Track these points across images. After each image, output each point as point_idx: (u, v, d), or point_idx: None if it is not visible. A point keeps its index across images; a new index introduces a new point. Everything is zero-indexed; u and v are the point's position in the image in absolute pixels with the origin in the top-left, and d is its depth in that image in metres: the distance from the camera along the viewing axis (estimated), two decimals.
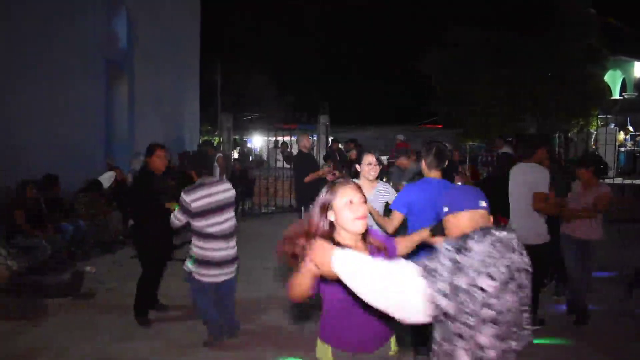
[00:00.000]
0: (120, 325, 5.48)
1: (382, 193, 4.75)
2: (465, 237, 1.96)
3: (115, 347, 4.96)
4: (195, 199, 4.70)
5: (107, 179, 9.82)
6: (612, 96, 23.34)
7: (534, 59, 20.64)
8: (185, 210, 4.73)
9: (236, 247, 4.97)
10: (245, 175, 13.32)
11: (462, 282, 1.83)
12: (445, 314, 1.86)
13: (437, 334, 2.00)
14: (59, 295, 6.33)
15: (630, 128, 20.43)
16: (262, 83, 29.83)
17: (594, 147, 15.70)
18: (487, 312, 1.85)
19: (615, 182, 14.87)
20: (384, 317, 2.04)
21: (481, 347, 1.88)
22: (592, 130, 19.45)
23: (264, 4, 34.82)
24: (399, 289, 1.85)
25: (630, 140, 19.83)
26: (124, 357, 4.80)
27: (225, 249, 4.82)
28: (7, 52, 9.29)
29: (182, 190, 4.78)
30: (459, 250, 1.89)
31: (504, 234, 1.97)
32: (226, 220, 4.84)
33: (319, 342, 2.64)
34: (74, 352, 4.88)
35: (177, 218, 4.84)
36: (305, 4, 35.00)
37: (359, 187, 2.49)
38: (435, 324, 1.99)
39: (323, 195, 2.46)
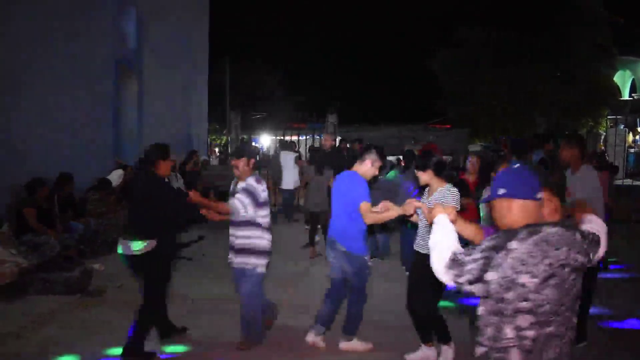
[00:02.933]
0: (130, 322, 5.50)
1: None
2: (509, 233, 2.13)
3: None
4: (264, 188, 4.80)
5: (115, 177, 9.87)
6: (621, 97, 23.20)
7: (543, 59, 20.56)
8: (256, 198, 4.72)
9: None
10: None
11: (494, 277, 2.08)
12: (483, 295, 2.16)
13: (481, 308, 2.23)
14: (67, 293, 6.37)
15: None
16: (270, 82, 29.90)
17: (602, 147, 15.60)
18: (525, 305, 2.07)
19: (624, 183, 14.79)
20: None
21: (520, 328, 2.09)
22: (601, 131, 19.34)
23: (273, 3, 34.84)
24: (435, 252, 2.31)
25: None
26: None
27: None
28: (17, 51, 9.35)
29: (250, 179, 4.77)
30: (496, 249, 2.09)
31: (553, 230, 2.11)
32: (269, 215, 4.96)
33: None
34: (83, 349, 4.90)
35: (245, 207, 4.68)
36: (313, 4, 34.99)
37: None
38: (480, 299, 2.23)
39: None
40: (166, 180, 5.03)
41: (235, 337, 4.97)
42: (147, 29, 14.08)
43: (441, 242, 2.33)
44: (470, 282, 2.13)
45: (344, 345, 4.90)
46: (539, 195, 2.25)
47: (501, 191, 2.26)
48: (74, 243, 8.01)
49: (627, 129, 18.98)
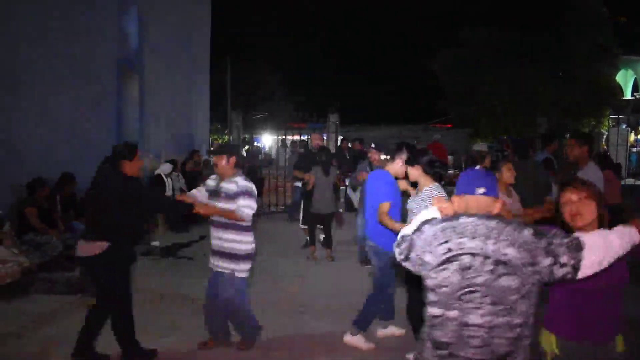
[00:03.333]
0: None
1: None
2: (429, 220, 2.41)
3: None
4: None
5: None
6: (623, 96, 23.18)
7: (544, 58, 20.54)
8: (254, 196, 4.67)
9: None
10: (254, 174, 13.35)
11: (412, 254, 2.37)
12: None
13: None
14: (69, 293, 6.37)
15: None
16: (271, 82, 29.90)
17: (604, 147, 15.58)
18: (429, 282, 2.33)
19: (627, 182, 14.77)
20: (611, 314, 2.64)
21: (428, 303, 2.36)
22: (603, 131, 19.32)
23: (274, 3, 34.84)
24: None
25: None
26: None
27: None
28: (17, 51, 9.35)
29: (240, 179, 4.67)
30: (416, 230, 2.39)
31: (468, 220, 2.28)
32: None
33: (544, 332, 2.78)
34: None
35: (254, 210, 4.65)
36: (315, 3, 34.99)
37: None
38: None
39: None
40: (136, 179, 4.66)
41: (236, 337, 4.97)
42: (148, 28, 14.06)
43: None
44: (403, 260, 2.43)
45: (348, 338, 4.89)
46: (481, 190, 2.42)
47: (481, 190, 2.43)
48: (75, 243, 7.99)
49: (629, 129, 18.95)
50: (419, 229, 2.37)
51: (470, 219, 2.28)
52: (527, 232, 2.22)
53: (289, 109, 29.52)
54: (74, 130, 10.73)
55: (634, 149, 18.60)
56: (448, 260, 2.25)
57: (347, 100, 32.51)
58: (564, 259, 2.20)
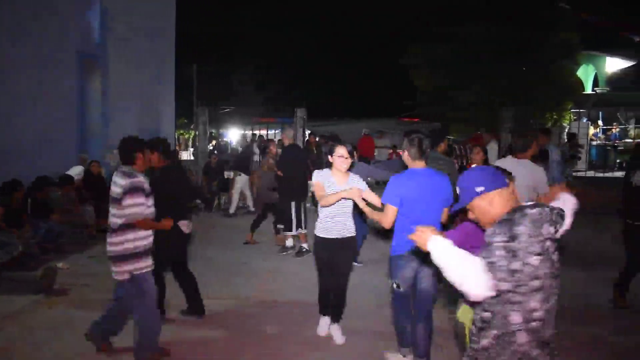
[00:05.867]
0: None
1: (355, 185, 4.67)
2: (507, 222, 2.26)
3: (89, 344, 4.89)
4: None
5: (76, 173, 9.72)
6: (584, 91, 23.73)
7: (510, 54, 20.88)
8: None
9: None
10: (221, 170, 13.22)
11: (517, 265, 2.20)
12: (501, 290, 2.24)
13: (486, 302, 2.32)
14: (31, 292, 6.23)
15: (600, 122, 20.83)
16: (239, 76, 29.68)
17: (566, 140, 15.95)
18: (536, 282, 2.23)
19: (587, 175, 15.16)
20: None
21: (531, 310, 2.25)
22: (564, 125, 19.75)
23: None
24: (470, 277, 2.19)
25: (602, 134, 20.20)
26: (100, 354, 4.73)
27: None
28: None
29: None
30: (511, 239, 2.22)
31: (534, 211, 2.28)
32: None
33: (463, 306, 2.95)
34: (47, 349, 4.81)
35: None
36: None
37: None
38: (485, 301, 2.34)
39: None
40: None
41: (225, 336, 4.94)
42: (111, 21, 13.79)
43: (461, 265, 2.23)
44: (505, 280, 2.22)
45: (387, 354, 4.62)
46: (507, 180, 2.44)
47: (480, 189, 2.40)
48: (39, 240, 7.87)
49: (589, 122, 19.43)
50: (513, 237, 2.28)
51: (534, 210, 2.33)
52: (547, 210, 2.37)
53: (257, 103, 29.39)
54: (35, 126, 10.48)
55: (594, 142, 19.08)
56: (545, 251, 2.33)
57: (316, 94, 32.52)
58: (557, 227, 2.40)
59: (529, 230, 2.22)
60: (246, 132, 19.10)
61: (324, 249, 4.82)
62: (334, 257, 4.81)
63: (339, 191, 4.58)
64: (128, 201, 4.19)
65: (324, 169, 4.93)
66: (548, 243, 2.26)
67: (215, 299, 5.93)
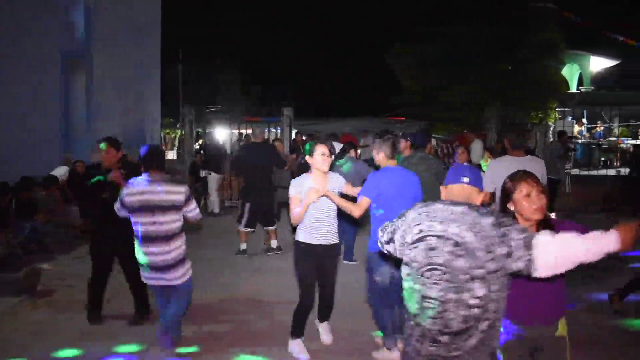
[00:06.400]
0: (80, 322, 5.35)
1: (335, 184, 4.59)
2: (413, 207, 2.70)
3: (75, 346, 4.83)
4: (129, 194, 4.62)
5: (61, 172, 9.60)
6: (569, 89, 23.92)
7: (495, 54, 20.99)
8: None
9: None
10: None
11: (396, 235, 2.65)
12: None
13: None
14: (15, 294, 6.14)
15: (584, 121, 21.02)
16: (225, 75, 29.50)
17: (552, 139, 16.07)
18: (405, 257, 2.59)
19: (572, 173, 15.27)
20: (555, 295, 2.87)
21: (403, 276, 2.63)
22: (550, 123, 19.88)
23: None
24: None
25: (587, 132, 20.37)
26: (84, 356, 4.68)
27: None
28: None
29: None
30: (400, 216, 2.70)
31: (439, 207, 2.53)
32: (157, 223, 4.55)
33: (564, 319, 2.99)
34: (32, 351, 4.73)
35: (118, 209, 4.65)
36: None
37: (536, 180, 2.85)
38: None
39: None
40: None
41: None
42: (95, 18, 13.65)
43: None
44: (387, 242, 2.73)
45: (374, 354, 4.62)
46: (465, 179, 2.65)
47: (465, 179, 2.65)
48: (22, 241, 7.78)
49: (574, 121, 19.59)
50: (403, 215, 2.68)
51: (442, 205, 2.53)
52: (488, 220, 2.37)
53: (244, 103, 29.26)
54: (18, 124, 10.34)
55: (579, 141, 19.24)
56: (419, 240, 2.50)
57: (303, 93, 32.48)
58: (518, 252, 2.30)
59: (414, 215, 2.59)
60: (233, 131, 19.00)
61: (307, 256, 4.52)
62: (319, 265, 4.56)
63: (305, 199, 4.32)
64: (192, 205, 4.61)
65: (301, 175, 4.64)
66: (432, 238, 2.46)
67: (211, 296, 5.89)
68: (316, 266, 4.56)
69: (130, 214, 4.50)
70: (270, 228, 8.25)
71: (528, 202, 2.77)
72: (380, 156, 4.49)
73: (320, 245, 4.50)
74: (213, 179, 11.70)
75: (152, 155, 4.57)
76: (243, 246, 8.18)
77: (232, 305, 5.98)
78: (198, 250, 7.59)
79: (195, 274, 4.86)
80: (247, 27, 34.72)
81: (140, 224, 4.45)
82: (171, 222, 4.47)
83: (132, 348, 4.82)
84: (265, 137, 16.99)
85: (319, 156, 4.45)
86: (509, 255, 2.29)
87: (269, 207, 8.24)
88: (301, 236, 4.52)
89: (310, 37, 37.72)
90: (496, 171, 4.82)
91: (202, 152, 15.14)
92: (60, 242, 8.64)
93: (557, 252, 2.27)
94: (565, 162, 12.79)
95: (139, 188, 4.46)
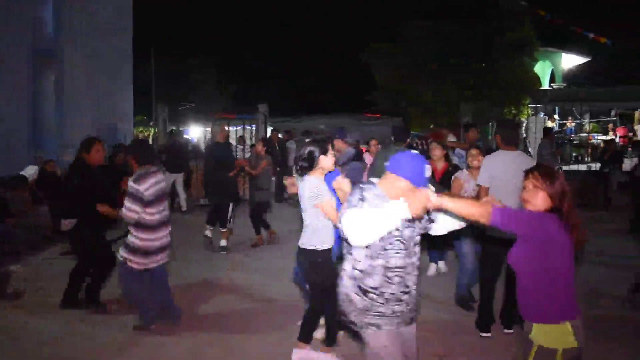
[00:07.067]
0: (51, 325, 5.23)
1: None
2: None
3: (45, 349, 4.72)
4: (148, 187, 4.75)
5: (30, 172, 9.39)
6: (541, 86, 24.25)
7: (471, 50, 21.18)
8: (138, 199, 4.70)
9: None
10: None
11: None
12: None
13: None
14: None
15: (556, 117, 21.34)
16: (199, 72, 29.22)
17: (524, 135, 16.27)
18: None
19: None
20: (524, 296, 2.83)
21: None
22: (522, 119, 20.12)
23: None
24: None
25: (558, 128, 20.68)
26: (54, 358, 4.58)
27: (165, 237, 4.99)
28: None
29: (131, 179, 4.79)
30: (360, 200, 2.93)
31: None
32: (166, 208, 5.03)
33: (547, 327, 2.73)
34: (1, 355, 4.63)
35: (131, 209, 4.70)
36: None
37: None
38: None
39: None
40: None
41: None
42: (66, 15, 13.39)
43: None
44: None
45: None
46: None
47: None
48: None
49: (546, 117, 19.85)
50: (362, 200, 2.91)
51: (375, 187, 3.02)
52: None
53: (218, 100, 29.04)
54: None
55: None
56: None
57: (279, 90, 32.32)
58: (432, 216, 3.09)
59: (372, 194, 2.94)
60: (207, 128, 18.84)
61: (329, 261, 4.23)
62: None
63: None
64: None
65: (312, 179, 4.15)
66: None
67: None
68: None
69: (146, 207, 4.76)
70: (222, 230, 8.23)
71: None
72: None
73: (329, 249, 4.25)
74: (170, 177, 11.49)
75: (145, 148, 5.18)
76: (223, 242, 8.21)
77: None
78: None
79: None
80: (221, 25, 34.45)
81: (157, 213, 4.85)
82: (167, 207, 5.06)
83: (105, 349, 4.73)
84: (241, 135, 16.93)
85: (331, 155, 4.24)
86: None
87: (223, 209, 8.18)
88: (320, 243, 4.16)
89: (287, 34, 37.60)
90: (492, 166, 4.87)
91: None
92: (30, 244, 8.44)
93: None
94: (557, 158, 13.00)
95: (152, 180, 4.82)
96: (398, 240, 2.90)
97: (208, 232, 8.40)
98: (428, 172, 2.91)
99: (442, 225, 3.14)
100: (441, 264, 6.98)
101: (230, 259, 7.95)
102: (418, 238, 3.03)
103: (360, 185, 3.03)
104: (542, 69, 25.47)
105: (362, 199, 2.89)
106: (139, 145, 5.33)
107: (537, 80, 23.86)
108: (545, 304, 2.71)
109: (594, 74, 25.70)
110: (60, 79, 13.29)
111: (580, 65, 26.29)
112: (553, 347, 2.67)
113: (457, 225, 3.12)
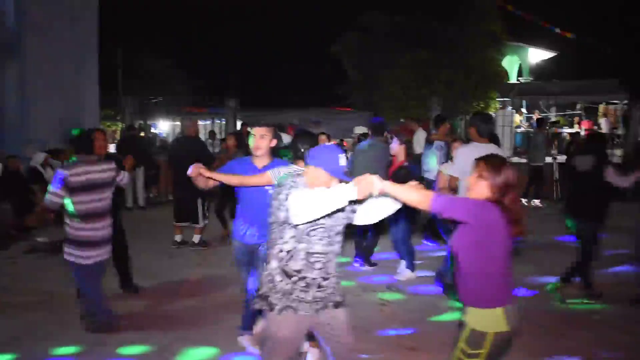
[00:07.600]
0: (12, 325, 5.09)
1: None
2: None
3: (8, 350, 4.58)
4: (75, 174, 4.68)
5: None
6: (509, 80, 24.58)
7: (440, 44, 21.33)
8: (64, 184, 4.65)
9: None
10: (150, 162, 12.72)
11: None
12: None
13: None
14: None
15: (524, 110, 21.68)
16: (168, 64, 28.75)
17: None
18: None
19: (512, 160, 15.70)
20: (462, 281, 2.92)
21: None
22: (491, 113, 20.36)
23: None
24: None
25: (526, 122, 21.02)
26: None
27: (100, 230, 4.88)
28: None
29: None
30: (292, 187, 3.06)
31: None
32: (101, 200, 4.90)
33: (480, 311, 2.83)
34: None
35: (55, 194, 4.64)
36: None
37: None
38: None
39: None
40: None
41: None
42: (27, 7, 13.01)
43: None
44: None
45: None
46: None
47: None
48: None
49: (514, 111, 20.11)
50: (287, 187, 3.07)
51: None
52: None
53: (187, 93, 28.64)
54: None
55: (518, 130, 19.80)
56: None
57: (248, 83, 32.05)
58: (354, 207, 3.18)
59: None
60: (176, 122, 18.59)
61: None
62: None
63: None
64: (121, 174, 5.37)
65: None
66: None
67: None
68: None
69: (72, 195, 4.66)
70: (196, 226, 8.15)
71: None
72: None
73: None
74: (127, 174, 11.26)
75: (83, 138, 5.03)
76: (177, 238, 8.20)
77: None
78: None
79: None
80: (189, 17, 33.98)
81: (84, 203, 4.72)
82: (108, 198, 4.96)
83: (69, 350, 4.63)
84: (211, 130, 16.75)
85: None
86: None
87: (193, 205, 8.08)
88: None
89: (256, 26, 37.29)
90: (465, 157, 4.84)
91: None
92: None
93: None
94: (551, 149, 13.27)
95: (82, 168, 4.73)
96: (322, 227, 3.04)
97: (178, 238, 8.22)
98: (342, 162, 3.03)
99: (367, 216, 3.27)
100: None
101: (201, 254, 7.88)
102: (340, 228, 3.16)
103: (296, 171, 3.28)
104: (510, 63, 25.80)
105: (294, 185, 3.05)
106: (79, 136, 5.23)
107: (505, 74, 24.17)
108: (480, 290, 2.82)
109: (561, 68, 26.18)
110: (22, 73, 12.92)
111: (547, 59, 26.75)
112: (484, 330, 2.78)
113: (391, 210, 3.22)
